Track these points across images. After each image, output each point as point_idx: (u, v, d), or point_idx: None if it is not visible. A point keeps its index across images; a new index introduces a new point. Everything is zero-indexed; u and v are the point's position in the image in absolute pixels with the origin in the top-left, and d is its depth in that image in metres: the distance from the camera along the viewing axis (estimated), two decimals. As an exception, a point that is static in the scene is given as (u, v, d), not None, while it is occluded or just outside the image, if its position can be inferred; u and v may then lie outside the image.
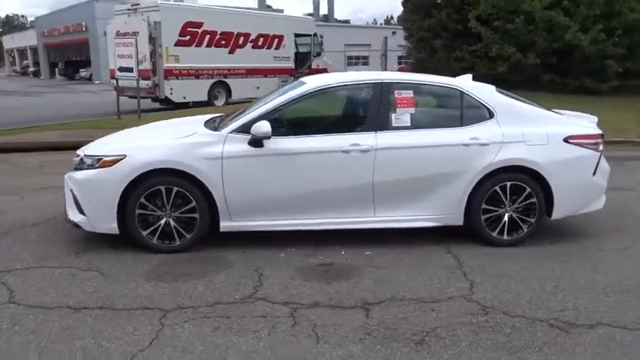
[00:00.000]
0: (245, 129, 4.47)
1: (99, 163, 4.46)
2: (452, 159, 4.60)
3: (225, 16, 18.24)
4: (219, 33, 17.47)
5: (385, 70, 22.83)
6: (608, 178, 5.03)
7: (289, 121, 4.83)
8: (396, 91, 4.69)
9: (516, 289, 3.87)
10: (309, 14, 60.07)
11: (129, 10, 16.46)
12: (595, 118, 5.17)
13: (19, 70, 57.10)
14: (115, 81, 14.71)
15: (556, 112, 5.09)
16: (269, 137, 4.36)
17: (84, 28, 42.34)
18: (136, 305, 3.57)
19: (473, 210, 4.67)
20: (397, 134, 4.60)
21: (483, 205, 4.67)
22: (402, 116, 4.65)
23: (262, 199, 4.54)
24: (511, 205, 4.71)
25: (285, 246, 4.64)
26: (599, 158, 4.83)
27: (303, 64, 20.83)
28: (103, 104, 18.86)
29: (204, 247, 4.60)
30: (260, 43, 18.90)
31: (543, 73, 19.20)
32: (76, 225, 4.56)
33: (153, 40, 15.73)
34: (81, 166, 4.59)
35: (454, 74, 5.46)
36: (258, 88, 17.65)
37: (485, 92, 4.85)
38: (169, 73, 16.15)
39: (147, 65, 15.76)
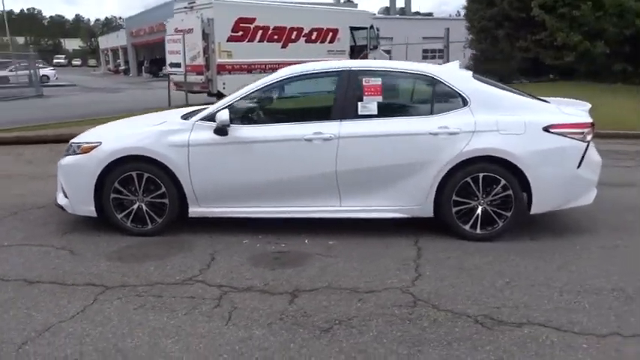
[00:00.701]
0: (211, 117, 4.57)
1: (79, 149, 4.76)
2: (418, 148, 4.45)
3: (278, 11, 18.50)
4: (271, 28, 17.76)
5: (447, 62, 22.27)
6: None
7: (255, 110, 4.89)
8: (363, 79, 4.61)
9: (463, 284, 3.71)
10: (386, 8, 59.73)
11: (186, 8, 17.14)
12: (587, 106, 4.80)
13: (112, 69, 61.15)
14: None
15: (541, 100, 4.78)
16: (228, 125, 4.45)
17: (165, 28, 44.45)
18: (84, 282, 3.80)
19: (443, 202, 4.51)
20: (362, 123, 4.53)
21: (454, 197, 4.49)
22: (368, 104, 4.56)
23: (227, 186, 4.64)
24: (485, 197, 4.49)
25: (254, 233, 4.71)
26: (586, 149, 4.48)
27: (361, 58, 20.69)
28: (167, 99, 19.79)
29: (178, 231, 4.77)
30: (313, 37, 19.00)
31: (614, 63, 17.85)
32: (62, 208, 4.89)
33: (206, 36, 16.27)
34: (67, 152, 4.91)
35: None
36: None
37: (459, 79, 4.65)
38: (222, 68, 16.65)
39: (200, 61, 16.35)
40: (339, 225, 4.73)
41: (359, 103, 4.56)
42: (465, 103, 4.52)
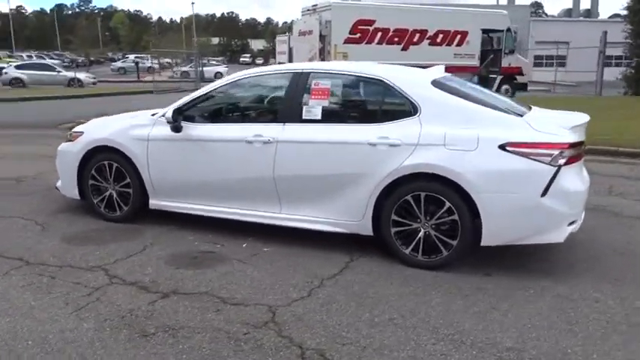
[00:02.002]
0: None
1: (70, 137, 5.25)
2: (355, 159, 4.07)
3: (400, 13, 18.13)
4: (392, 30, 17.49)
5: (601, 70, 19.72)
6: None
7: (211, 110, 4.87)
8: (313, 82, 4.34)
9: (336, 312, 3.30)
10: (568, 10, 54.45)
11: (309, 10, 17.70)
12: (579, 120, 3.94)
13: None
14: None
15: (515, 113, 4.03)
16: (171, 122, 4.54)
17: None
18: (17, 256, 4.18)
19: (382, 220, 4.06)
20: (304, 127, 4.27)
21: (393, 216, 4.01)
22: (313, 108, 4.29)
23: (180, 182, 4.73)
24: (428, 220, 3.94)
25: (206, 231, 4.73)
26: (555, 175, 3.67)
27: (493, 63, 19.35)
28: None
29: (146, 220, 4.97)
30: (438, 40, 18.25)
31: None
32: (57, 189, 5.44)
33: (323, 38, 16.63)
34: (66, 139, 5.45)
35: None
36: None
37: (414, 85, 4.12)
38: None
39: (317, 62, 16.76)
40: (292, 232, 4.48)
41: (304, 107, 4.31)
42: (415, 112, 4.01)
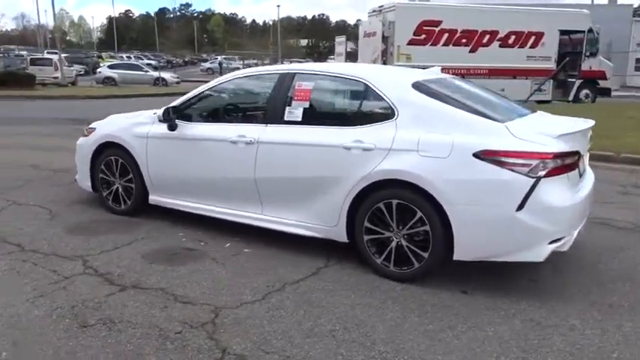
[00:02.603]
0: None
1: (87, 132, 5.52)
2: (330, 163, 3.94)
3: (468, 13, 17.41)
4: (459, 31, 16.84)
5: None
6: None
7: (204, 109, 4.90)
8: (297, 83, 4.27)
9: (271, 316, 3.24)
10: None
11: (375, 11, 17.48)
12: (573, 128, 3.58)
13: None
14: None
15: (505, 118, 3.71)
16: (161, 120, 4.64)
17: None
18: (16, 242, 4.45)
19: (356, 227, 3.91)
20: (284, 129, 4.21)
21: (366, 224, 3.85)
22: (295, 110, 4.21)
23: (173, 179, 4.84)
24: (400, 229, 3.74)
25: (198, 229, 4.80)
26: (533, 187, 3.34)
27: (572, 66, 18.11)
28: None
29: (149, 215, 5.10)
30: (510, 42, 17.33)
31: None
32: (76, 181, 5.75)
33: (385, 39, 16.35)
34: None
35: None
36: (503, 90, 16.31)
37: (393, 87, 3.92)
38: (399, 72, 16.52)
39: (379, 63, 16.51)
40: (279, 234, 4.37)
41: (287, 108, 4.25)
42: (392, 115, 3.82)
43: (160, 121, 4.68)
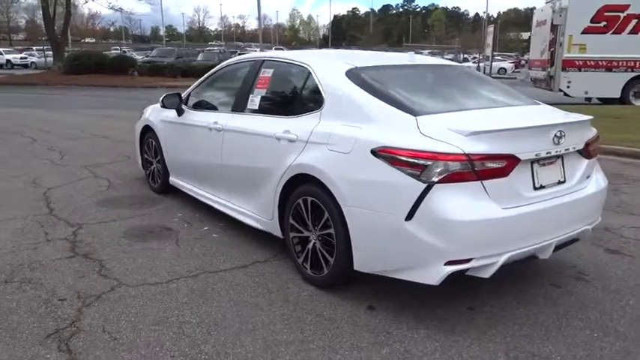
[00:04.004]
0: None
1: (140, 115, 6.15)
2: (265, 153, 3.79)
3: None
4: (653, 16, 13.94)
5: None
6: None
7: (198, 96, 5.03)
8: (262, 70, 4.17)
9: (138, 304, 3.24)
10: None
11: (549, -2, 15.52)
12: (507, 124, 2.85)
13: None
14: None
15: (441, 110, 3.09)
16: (161, 106, 4.95)
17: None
18: (52, 206, 5.26)
19: (284, 222, 3.72)
20: (243, 117, 4.17)
21: (291, 220, 3.63)
22: (255, 98, 4.14)
23: (178, 162, 5.18)
24: (315, 230, 3.44)
25: (196, 210, 5.04)
26: (424, 194, 2.76)
27: None
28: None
29: (178, 194, 5.51)
30: None
31: None
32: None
33: (554, 28, 14.40)
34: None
35: None
36: None
37: (328, 74, 3.56)
38: (569, 64, 14.40)
39: (546, 55, 14.71)
40: None
41: (250, 96, 4.19)
42: (320, 104, 3.51)
43: (161, 106, 5.01)
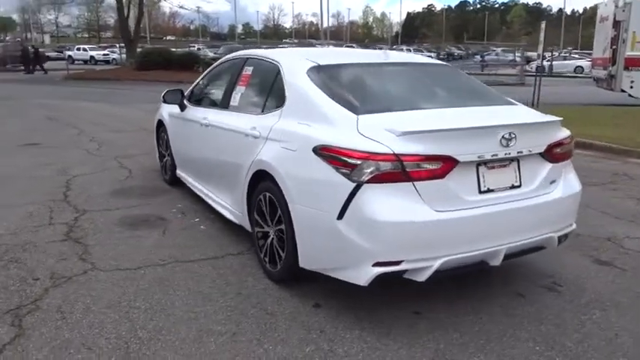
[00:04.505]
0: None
1: (159, 111, 6.43)
2: (237, 149, 3.88)
3: None
4: None
5: None
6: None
7: (196, 93, 5.17)
8: (245, 68, 4.27)
9: (96, 288, 3.42)
10: None
11: (615, -8, 14.51)
12: (448, 123, 2.77)
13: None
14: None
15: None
16: (164, 102, 5.14)
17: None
18: (67, 193, 5.63)
19: (251, 217, 3.80)
20: (224, 113, 4.30)
21: (255, 215, 3.70)
22: (236, 95, 4.25)
23: (181, 155, 5.36)
24: (273, 225, 3.49)
25: (199, 203, 5.21)
26: (353, 193, 2.74)
27: None
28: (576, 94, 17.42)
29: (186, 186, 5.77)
30: None
31: None
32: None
33: (617, 24, 13.46)
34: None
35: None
36: None
37: (293, 72, 3.59)
38: (632, 63, 13.42)
39: (607, 53, 13.82)
40: None
41: (232, 93, 4.30)
42: (283, 102, 3.55)
43: (162, 102, 5.22)
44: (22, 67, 30.47)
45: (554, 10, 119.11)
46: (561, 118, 3.28)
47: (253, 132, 3.64)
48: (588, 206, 5.31)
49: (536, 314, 3.15)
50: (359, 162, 2.72)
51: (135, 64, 28.14)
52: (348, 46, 43.62)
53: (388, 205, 2.71)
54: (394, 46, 68.95)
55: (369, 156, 2.70)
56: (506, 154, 2.92)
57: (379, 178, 2.70)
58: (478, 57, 54.34)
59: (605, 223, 4.81)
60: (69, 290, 3.39)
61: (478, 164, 2.90)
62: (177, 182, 5.77)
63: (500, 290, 3.45)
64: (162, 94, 5.24)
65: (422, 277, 2.81)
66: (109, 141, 8.87)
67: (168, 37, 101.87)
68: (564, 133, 3.30)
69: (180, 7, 34.98)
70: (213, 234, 4.44)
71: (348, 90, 3.31)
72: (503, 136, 2.87)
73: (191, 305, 3.22)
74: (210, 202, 4.60)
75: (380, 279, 2.77)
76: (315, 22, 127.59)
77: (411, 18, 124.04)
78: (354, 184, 2.74)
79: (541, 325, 3.02)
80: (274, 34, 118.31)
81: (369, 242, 2.72)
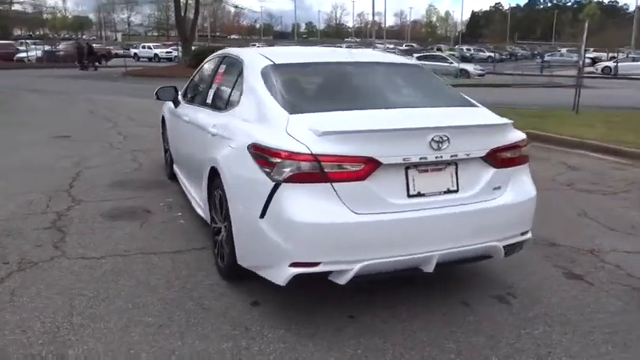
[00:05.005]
0: (183, 91, 5.48)
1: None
2: (201, 145, 3.96)
3: None
4: None
5: None
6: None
7: (186, 91, 5.27)
8: (221, 66, 4.34)
9: (55, 276, 3.58)
10: None
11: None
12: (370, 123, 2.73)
13: None
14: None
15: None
16: (157, 99, 5.29)
17: None
18: (72, 184, 5.91)
19: (210, 213, 3.86)
20: (200, 110, 4.37)
21: (212, 211, 3.76)
22: (211, 92, 4.33)
23: (174, 150, 5.51)
24: (222, 222, 3.54)
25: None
26: (273, 192, 2.74)
27: None
28: None
29: None
30: None
31: None
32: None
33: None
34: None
35: None
36: None
37: (249, 71, 3.61)
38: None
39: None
40: None
41: (209, 91, 4.38)
42: (240, 100, 3.58)
43: (156, 99, 5.37)
44: (85, 64, 31.97)
45: (631, 8, 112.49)
46: (511, 122, 3.12)
47: (213, 130, 3.70)
48: (586, 215, 5.04)
49: (474, 325, 3.02)
50: (278, 161, 2.72)
51: (188, 61, 28.97)
52: (407, 45, 42.70)
53: (305, 205, 2.68)
54: (456, 46, 67.59)
55: (289, 155, 2.69)
56: (437, 157, 2.82)
57: (297, 178, 2.68)
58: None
59: (597, 234, 4.54)
60: (29, 275, 3.57)
61: (407, 167, 2.81)
62: (175, 176, 5.94)
63: (448, 298, 3.33)
64: (155, 90, 5.39)
65: (342, 281, 2.77)
66: (135, 135, 9.22)
67: (232, 36, 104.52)
68: (515, 136, 3.14)
69: (235, 6, 35.43)
70: (188, 229, 4.54)
71: (292, 89, 3.31)
72: (432, 139, 2.77)
73: (134, 296, 3.32)
74: (188, 196, 4.71)
75: (298, 279, 2.75)
76: (377, 21, 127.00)
77: (475, 17, 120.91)
78: (273, 183, 2.73)
79: (473, 337, 2.90)
80: (336, 33, 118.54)
81: (286, 242, 2.71)
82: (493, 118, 3.18)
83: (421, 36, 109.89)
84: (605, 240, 4.39)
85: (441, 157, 2.83)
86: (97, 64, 32.25)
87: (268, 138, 2.87)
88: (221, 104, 3.97)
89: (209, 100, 4.29)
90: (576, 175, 6.66)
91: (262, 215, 2.79)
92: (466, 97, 3.59)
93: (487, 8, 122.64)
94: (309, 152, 2.66)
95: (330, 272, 2.78)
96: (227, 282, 3.50)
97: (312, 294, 3.28)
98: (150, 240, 4.26)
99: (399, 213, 2.77)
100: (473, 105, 3.48)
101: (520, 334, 2.94)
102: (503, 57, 53.06)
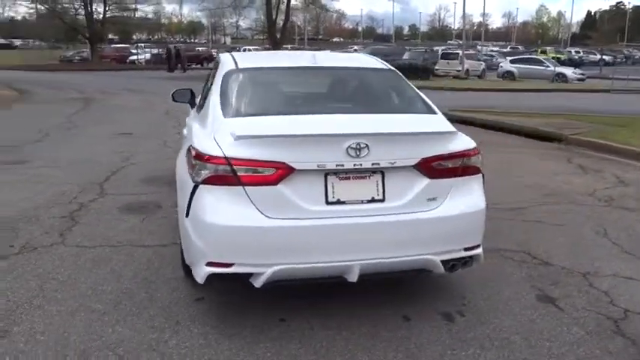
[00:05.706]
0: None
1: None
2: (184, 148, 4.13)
3: None
4: None
5: None
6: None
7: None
8: (216, 70, 4.50)
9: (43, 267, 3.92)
10: None
11: None
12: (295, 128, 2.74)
13: None
14: None
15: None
16: (174, 100, 5.56)
17: None
18: (90, 173, 6.42)
19: (186, 211, 4.04)
20: (192, 113, 4.57)
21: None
22: (201, 95, 4.50)
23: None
24: (185, 220, 3.70)
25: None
26: (193, 193, 2.83)
27: None
28: None
29: None
30: None
31: None
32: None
33: None
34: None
35: None
36: None
37: (218, 74, 3.71)
38: None
39: None
40: None
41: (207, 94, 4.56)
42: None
43: (172, 100, 5.65)
44: (173, 66, 33.70)
45: None
46: (453, 130, 2.95)
47: (185, 132, 3.87)
48: (605, 234, 4.61)
49: (401, 341, 2.90)
50: (197, 163, 2.81)
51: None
52: (513, 48, 40.06)
53: (219, 207, 2.75)
54: (565, 48, 63.24)
55: (208, 158, 2.77)
56: (356, 165, 2.75)
57: (212, 180, 2.75)
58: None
59: (605, 256, 4.12)
60: (24, 258, 3.96)
61: (327, 174, 2.77)
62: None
63: (391, 310, 3.22)
64: (172, 92, 5.68)
65: (258, 284, 2.80)
66: (191, 134, 9.73)
67: (334, 39, 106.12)
68: (460, 145, 2.97)
69: (326, 10, 35.86)
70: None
71: (242, 93, 3.38)
72: (350, 146, 2.71)
73: (98, 284, 3.56)
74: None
75: (214, 279, 2.82)
76: (484, 23, 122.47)
77: (591, 17, 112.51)
78: (193, 185, 2.83)
79: (392, 353, 2.79)
80: (440, 36, 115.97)
81: (201, 241, 2.80)
82: (434, 127, 3.03)
83: (530, 38, 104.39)
84: (610, 263, 3.98)
85: (361, 164, 2.76)
86: (187, 65, 34.01)
87: (198, 141, 2.98)
88: (198, 107, 4.14)
89: (197, 103, 4.47)
90: (622, 191, 6.05)
91: (187, 214, 2.90)
92: (429, 103, 3.44)
93: (606, 7, 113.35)
94: (223, 155, 2.72)
95: (251, 274, 2.81)
96: (187, 277, 3.62)
97: (259, 295, 3.31)
98: (144, 233, 4.52)
99: (315, 219, 2.75)
100: (430, 112, 3.32)
101: (447, 354, 2.79)
102: (617, 60, 48.80)
